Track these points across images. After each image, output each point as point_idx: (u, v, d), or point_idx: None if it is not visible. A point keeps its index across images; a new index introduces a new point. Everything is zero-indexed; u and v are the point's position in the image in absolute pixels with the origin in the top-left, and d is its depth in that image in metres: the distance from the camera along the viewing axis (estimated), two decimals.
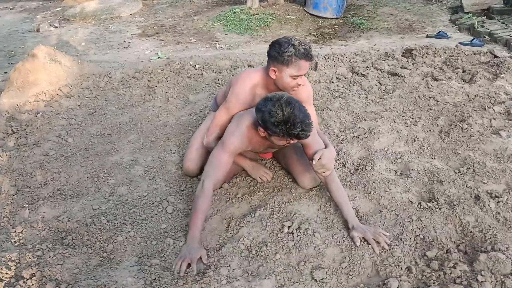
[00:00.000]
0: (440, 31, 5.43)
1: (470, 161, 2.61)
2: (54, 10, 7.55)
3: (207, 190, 2.16)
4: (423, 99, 3.36)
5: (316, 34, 5.91)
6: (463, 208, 2.20)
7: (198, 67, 4.32)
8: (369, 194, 2.38)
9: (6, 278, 1.94)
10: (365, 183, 2.47)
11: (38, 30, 6.27)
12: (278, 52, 2.26)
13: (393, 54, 4.31)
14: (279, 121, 2.02)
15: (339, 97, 3.55)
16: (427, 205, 2.25)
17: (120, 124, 3.42)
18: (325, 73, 4.04)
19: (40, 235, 2.24)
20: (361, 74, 3.92)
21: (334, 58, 4.35)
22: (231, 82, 2.53)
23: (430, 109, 3.23)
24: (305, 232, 2.11)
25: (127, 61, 4.91)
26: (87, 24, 6.63)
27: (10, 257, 2.04)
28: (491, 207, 2.23)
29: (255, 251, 2.07)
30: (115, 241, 2.17)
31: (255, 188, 2.51)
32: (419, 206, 2.26)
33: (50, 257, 2.05)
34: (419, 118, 3.12)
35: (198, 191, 2.18)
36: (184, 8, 7.34)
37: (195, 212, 2.13)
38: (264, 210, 2.31)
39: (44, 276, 1.94)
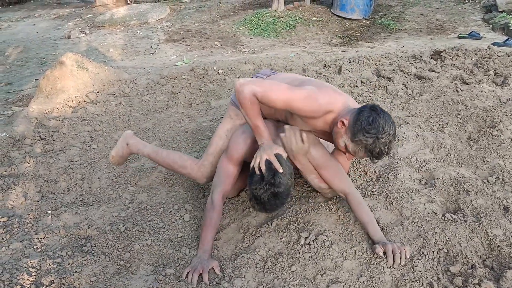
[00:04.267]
0: (472, 31, 5.23)
1: (499, 169, 2.48)
2: (85, 17, 7.75)
3: (216, 203, 2.16)
4: (451, 104, 3.23)
5: (342, 36, 5.81)
6: (491, 220, 2.09)
7: (222, 72, 4.33)
8: (391, 205, 2.30)
9: (27, 284, 1.98)
10: (387, 192, 2.39)
11: (69, 37, 6.45)
12: (362, 125, 1.90)
13: (421, 57, 4.18)
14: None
15: (363, 102, 3.46)
16: (451, 216, 2.15)
17: (143, 130, 3.46)
18: (349, 77, 3.96)
19: (61, 241, 2.28)
20: (387, 77, 3.82)
21: (359, 61, 4.25)
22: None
23: (459, 114, 3.10)
24: (323, 244, 2.06)
25: (153, 66, 4.98)
26: (116, 30, 6.77)
27: (31, 263, 2.09)
28: None
29: (271, 262, 2.03)
30: (132, 249, 2.18)
31: None
32: (443, 217, 2.16)
33: (69, 264, 2.08)
34: (446, 124, 3.00)
35: (208, 204, 2.17)
36: (210, 12, 7.38)
37: (205, 226, 2.12)
38: (281, 219, 2.27)
39: (63, 284, 1.97)
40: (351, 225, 2.20)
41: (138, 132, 3.41)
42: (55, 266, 2.07)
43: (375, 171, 2.60)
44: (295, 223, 2.23)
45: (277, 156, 2.01)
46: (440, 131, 2.93)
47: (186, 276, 1.97)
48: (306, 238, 2.11)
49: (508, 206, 2.20)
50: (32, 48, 6.09)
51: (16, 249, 2.21)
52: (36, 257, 2.14)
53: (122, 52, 5.71)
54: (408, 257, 1.96)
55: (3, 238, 2.31)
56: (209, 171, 2.40)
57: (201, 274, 1.97)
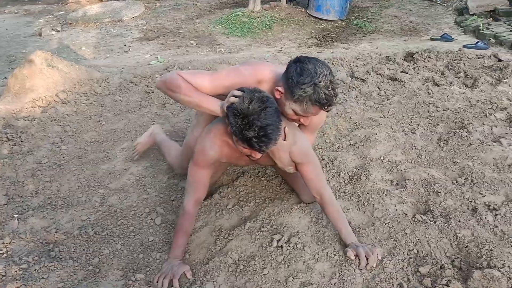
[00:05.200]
0: (444, 34, 5.33)
1: (468, 171, 2.53)
2: (57, 14, 7.57)
3: (187, 210, 2.09)
4: (422, 105, 3.28)
5: (318, 37, 5.84)
6: (459, 221, 2.13)
7: None
8: (363, 206, 2.31)
9: None
10: (359, 194, 2.40)
11: (40, 34, 6.29)
12: (294, 80, 1.83)
13: (394, 58, 4.24)
14: (239, 112, 1.77)
15: (337, 103, 3.48)
16: (421, 217, 2.18)
17: (114, 131, 3.39)
18: None
19: (28, 246, 2.20)
20: (361, 79, 3.85)
21: (334, 62, 4.28)
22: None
23: (430, 116, 3.15)
24: (295, 246, 2.05)
25: (126, 65, 4.90)
26: (89, 28, 6.63)
27: None
28: (488, 220, 2.15)
29: (243, 265, 2.01)
30: (101, 254, 2.13)
31: (246, 199, 2.45)
32: (413, 218, 2.18)
33: (35, 270, 2.01)
34: (418, 125, 3.05)
35: (180, 210, 2.12)
36: (186, 11, 7.31)
37: (176, 232, 2.08)
38: (254, 222, 2.25)
39: None
40: (323, 226, 2.20)
41: (110, 133, 3.34)
42: (21, 272, 1.99)
43: (347, 172, 2.62)
44: (268, 225, 2.21)
45: None
46: (411, 132, 2.97)
47: (157, 281, 1.94)
48: (278, 241, 2.10)
49: (476, 207, 2.24)
50: (1, 46, 5.90)
51: None
52: (1, 263, 2.06)
53: (95, 50, 5.59)
54: (379, 259, 1.98)
55: None
56: (185, 161, 2.36)
57: (172, 280, 1.93)
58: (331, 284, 1.89)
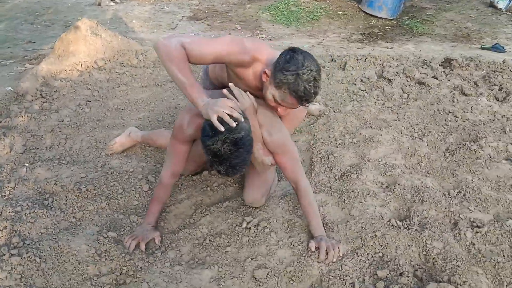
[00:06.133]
0: (496, 44, 5.02)
1: (465, 184, 2.43)
2: None
3: (163, 181, 2.18)
4: (441, 113, 3.16)
5: (364, 34, 5.71)
6: (434, 232, 2.07)
7: None
8: (343, 203, 2.31)
9: None
10: (343, 191, 2.40)
11: (99, 4, 6.63)
12: (280, 65, 1.86)
13: (430, 63, 4.07)
14: (210, 151, 1.80)
15: (355, 101, 3.43)
16: (396, 222, 2.14)
17: (136, 101, 3.57)
18: (351, 74, 3.92)
19: (27, 193, 2.43)
20: (388, 79, 3.75)
21: (366, 59, 4.19)
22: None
23: (446, 125, 3.03)
24: (262, 230, 2.11)
25: None
26: (146, 2, 6.90)
27: None
28: (466, 236, 2.07)
29: (209, 240, 2.10)
30: (86, 209, 2.30)
31: (233, 180, 2.52)
32: (388, 222, 2.15)
33: (26, 214, 2.22)
34: (429, 132, 2.94)
35: (158, 180, 2.22)
36: None
37: (152, 200, 2.20)
38: (232, 202, 2.33)
39: (14, 231, 2.11)
40: (297, 216, 2.23)
41: (132, 102, 3.52)
42: (13, 214, 2.21)
43: (340, 169, 2.61)
44: (244, 207, 2.28)
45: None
46: (419, 138, 2.88)
47: (126, 241, 2.07)
48: (248, 223, 2.16)
49: (457, 221, 2.16)
50: (62, 11, 6.32)
51: None
52: (0, 203, 2.29)
53: (144, 24, 5.84)
54: (340, 255, 1.98)
55: None
56: None
57: (140, 242, 2.06)
58: (286, 271, 1.93)
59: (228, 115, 1.79)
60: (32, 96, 3.52)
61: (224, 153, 1.79)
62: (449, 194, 2.38)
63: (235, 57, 1.95)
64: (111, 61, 4.18)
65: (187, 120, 2.07)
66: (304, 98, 1.86)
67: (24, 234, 2.10)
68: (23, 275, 1.87)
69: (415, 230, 2.09)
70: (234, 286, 1.86)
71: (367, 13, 6.31)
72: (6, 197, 2.38)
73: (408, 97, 3.46)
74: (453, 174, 2.55)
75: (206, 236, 2.12)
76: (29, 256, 1.94)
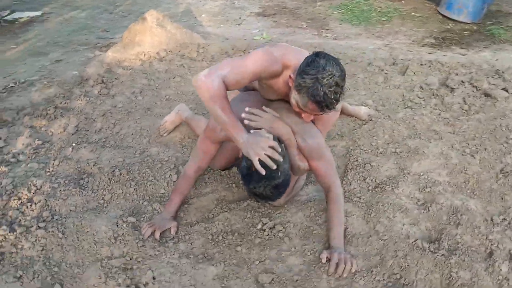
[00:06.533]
0: None
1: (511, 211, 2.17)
2: None
3: (187, 173, 2.21)
4: (503, 130, 2.85)
5: (438, 38, 5.33)
6: (463, 260, 1.87)
7: None
8: (369, 216, 2.17)
9: (23, 198, 2.31)
10: (373, 203, 2.25)
11: None
12: (301, 68, 1.81)
13: (503, 73, 3.69)
14: (249, 189, 1.90)
15: (410, 108, 3.22)
16: (422, 244, 1.97)
17: (188, 92, 3.65)
18: (412, 79, 3.68)
19: (68, 171, 2.58)
20: (451, 87, 3.47)
21: (431, 65, 3.91)
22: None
23: (506, 143, 2.73)
24: (276, 234, 2.05)
25: (231, 37, 5.13)
26: None
27: (36, 182, 2.42)
28: (501, 269, 1.85)
29: (222, 237, 2.09)
30: (114, 192, 2.39)
31: None
32: (413, 243, 1.98)
33: (60, 191, 2.36)
34: (485, 149, 2.67)
35: (182, 171, 2.25)
36: None
37: (173, 191, 2.23)
38: (254, 201, 2.28)
39: (47, 205, 2.26)
40: (316, 224, 2.14)
41: (184, 93, 3.61)
42: (50, 189, 2.37)
43: (375, 180, 2.45)
44: (265, 208, 2.23)
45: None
46: (471, 155, 2.62)
47: (143, 228, 2.12)
48: (264, 224, 2.11)
49: (494, 251, 1.94)
50: (139, 2, 6.64)
51: (32, 168, 2.57)
52: (42, 178, 2.47)
53: (212, 19, 5.95)
54: (353, 271, 1.86)
55: (28, 157, 2.69)
56: None
57: (155, 231, 2.10)
58: (292, 280, 1.87)
59: (269, 156, 1.79)
60: (94, 81, 3.74)
61: (265, 195, 1.88)
62: (492, 220, 2.14)
63: (268, 71, 1.91)
64: (172, 53, 4.32)
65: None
66: (324, 104, 1.77)
67: (55, 210, 2.24)
68: (44, 248, 2.00)
69: (442, 255, 1.91)
70: (235, 287, 1.83)
71: (445, 16, 5.88)
72: (48, 173, 2.55)
73: (469, 108, 3.17)
74: (502, 199, 2.29)
75: (220, 233, 2.11)
76: (53, 231, 2.06)
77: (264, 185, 1.82)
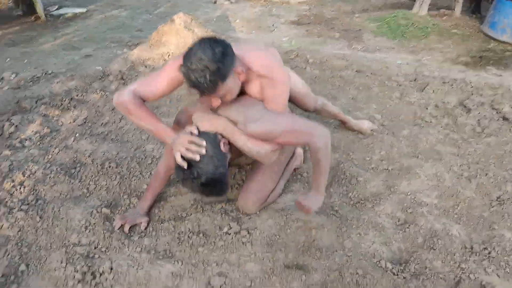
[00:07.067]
0: None
1: (498, 241, 2.02)
2: None
3: (159, 171, 2.25)
4: None
5: (474, 56, 5.08)
6: (425, 286, 1.77)
7: (312, 62, 4.29)
8: (340, 230, 2.11)
9: (17, 180, 2.45)
10: (348, 218, 2.18)
11: (215, 2, 7.04)
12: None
13: None
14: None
15: (417, 125, 3.09)
16: (386, 264, 1.88)
17: None
18: (429, 97, 3.53)
19: (64, 160, 2.70)
20: (468, 108, 3.29)
21: (453, 84, 3.74)
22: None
23: None
24: (239, 239, 2.04)
25: (260, 43, 5.17)
26: (258, 4, 7.11)
27: (31, 167, 2.56)
28: None
29: (188, 236, 2.10)
30: (99, 184, 2.47)
31: (241, 184, 2.47)
32: (377, 262, 1.90)
33: (50, 178, 2.48)
34: (486, 174, 2.51)
35: (155, 169, 2.29)
36: (355, 4, 7.16)
37: (147, 187, 2.27)
38: (230, 205, 2.29)
39: (35, 190, 2.38)
40: (285, 233, 2.10)
41: (188, 95, 3.67)
42: (41, 175, 2.49)
43: (358, 195, 2.38)
44: (237, 212, 2.22)
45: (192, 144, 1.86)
46: (468, 179, 2.47)
47: (115, 220, 2.18)
48: (230, 228, 2.10)
49: (463, 280, 1.81)
50: (180, 5, 6.85)
51: (32, 154, 2.71)
52: (39, 165, 2.60)
53: (245, 25, 6.02)
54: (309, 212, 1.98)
55: (33, 143, 2.85)
56: None
57: (125, 224, 2.15)
58: (245, 286, 1.84)
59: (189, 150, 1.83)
60: (114, 77, 3.90)
61: (197, 190, 1.89)
62: (471, 248, 2.01)
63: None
64: None
65: (184, 120, 2.12)
66: (199, 88, 1.75)
67: (40, 195, 2.35)
68: (21, 229, 2.11)
69: (404, 278, 1.81)
70: (186, 286, 1.84)
71: (487, 35, 5.59)
72: (46, 160, 2.68)
73: (482, 131, 2.99)
74: (490, 227, 2.14)
75: (187, 232, 2.12)
76: (32, 214, 2.17)
77: (191, 183, 1.84)
